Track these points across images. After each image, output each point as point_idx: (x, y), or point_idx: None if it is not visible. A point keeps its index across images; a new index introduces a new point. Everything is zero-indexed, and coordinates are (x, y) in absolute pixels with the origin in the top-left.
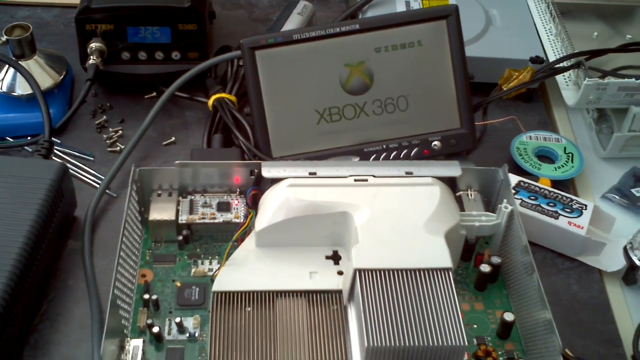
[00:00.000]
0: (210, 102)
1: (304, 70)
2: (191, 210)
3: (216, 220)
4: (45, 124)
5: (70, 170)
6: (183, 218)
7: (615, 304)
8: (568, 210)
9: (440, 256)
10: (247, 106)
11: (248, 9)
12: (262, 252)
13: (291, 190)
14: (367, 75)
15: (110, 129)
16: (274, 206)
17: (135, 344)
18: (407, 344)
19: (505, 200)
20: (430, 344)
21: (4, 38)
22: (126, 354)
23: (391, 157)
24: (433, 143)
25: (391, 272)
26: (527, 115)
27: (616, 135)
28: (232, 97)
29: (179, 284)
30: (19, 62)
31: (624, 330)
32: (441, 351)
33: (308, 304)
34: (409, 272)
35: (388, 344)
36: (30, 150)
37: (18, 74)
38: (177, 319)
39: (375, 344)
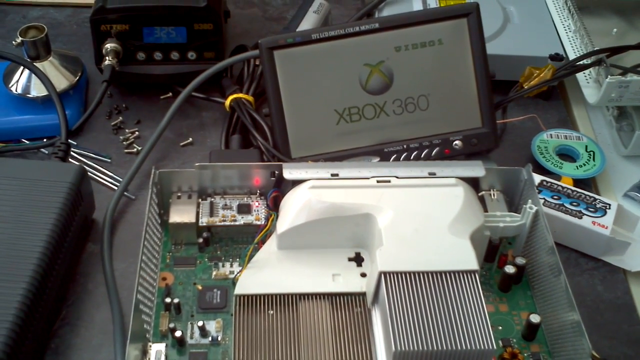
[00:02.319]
0: (228, 102)
1: (323, 70)
2: (211, 213)
3: (237, 223)
4: (62, 126)
5: (88, 173)
6: (203, 220)
7: None
8: (592, 209)
9: (466, 258)
10: (265, 106)
11: (261, 7)
12: (284, 255)
13: (313, 192)
14: (387, 75)
15: (127, 130)
16: (295, 208)
17: (158, 349)
18: (435, 347)
19: (529, 200)
20: (458, 347)
21: (19, 39)
22: (148, 359)
23: (412, 157)
24: (454, 142)
25: (417, 275)
26: (546, 113)
27: (638, 133)
28: (250, 97)
29: (200, 287)
30: (34, 63)
31: None
32: (469, 355)
33: (331, 307)
34: (434, 275)
35: (415, 348)
36: (47, 152)
37: (33, 75)
38: (200, 323)
39: (403, 348)
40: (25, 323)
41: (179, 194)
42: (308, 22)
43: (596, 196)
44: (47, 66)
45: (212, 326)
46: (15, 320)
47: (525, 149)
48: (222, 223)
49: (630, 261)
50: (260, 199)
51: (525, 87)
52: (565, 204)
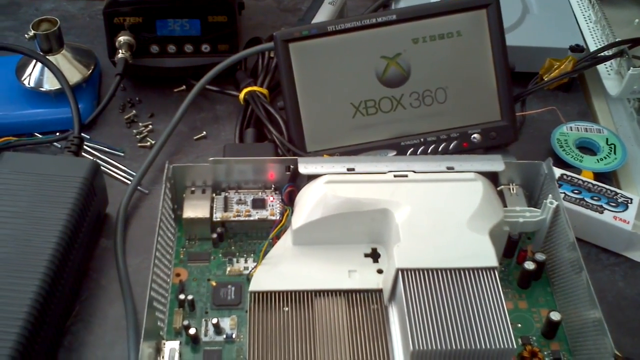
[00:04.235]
0: (242, 95)
1: (339, 62)
2: (226, 208)
3: (251, 218)
4: (75, 120)
5: (101, 167)
6: (218, 216)
7: None
8: (613, 204)
9: (485, 255)
10: (280, 99)
11: None
12: (299, 251)
13: (329, 187)
14: (404, 67)
15: (140, 124)
16: (311, 203)
17: (172, 346)
18: (454, 347)
19: (550, 195)
20: (478, 346)
21: (32, 33)
22: (162, 357)
23: (429, 151)
24: (472, 136)
25: (435, 272)
26: (566, 106)
27: None
28: (264, 90)
29: (214, 284)
30: (47, 56)
31: None
32: (489, 354)
33: (347, 304)
34: (453, 272)
35: (434, 347)
36: (60, 146)
37: (46, 69)
38: (214, 320)
39: (421, 347)
40: (39, 320)
41: (193, 189)
42: (323, 14)
43: (617, 190)
44: (60, 59)
45: (227, 323)
46: (28, 318)
47: (544, 142)
48: (237, 218)
49: None
50: (275, 193)
51: (545, 79)
52: (585, 199)
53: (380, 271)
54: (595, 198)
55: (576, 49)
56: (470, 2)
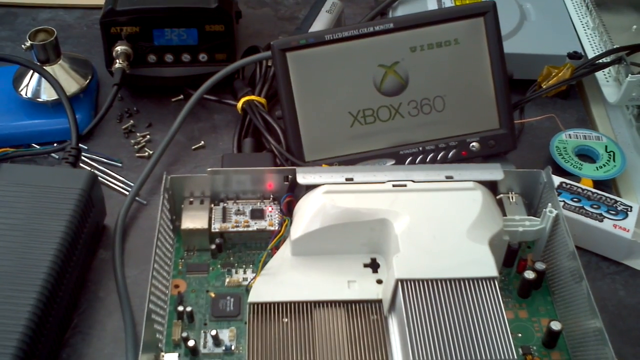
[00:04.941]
0: (240, 104)
1: (337, 71)
2: (224, 218)
3: (250, 228)
4: (72, 131)
5: (99, 178)
6: (216, 226)
7: None
8: (613, 212)
9: (485, 265)
10: (278, 108)
11: (273, 7)
12: (298, 261)
13: (328, 197)
14: (402, 76)
15: (138, 134)
16: (310, 213)
17: (171, 358)
18: (454, 357)
19: (549, 204)
20: (478, 357)
21: (29, 43)
22: None
23: (428, 159)
24: (471, 144)
25: (434, 282)
26: (564, 113)
27: None
28: (262, 99)
29: (213, 295)
30: (44, 67)
31: None
32: None
33: (347, 315)
34: (453, 282)
35: (434, 358)
36: (57, 157)
37: (43, 79)
38: (213, 332)
39: (422, 359)
40: (37, 332)
41: (191, 200)
42: (321, 22)
43: (617, 198)
44: (57, 70)
45: (226, 335)
46: (25, 330)
47: (543, 150)
48: (235, 229)
49: None
50: (274, 204)
51: (544, 87)
52: (585, 207)
53: (379, 281)
54: (595, 206)
55: (574, 56)
56: (467, 10)
